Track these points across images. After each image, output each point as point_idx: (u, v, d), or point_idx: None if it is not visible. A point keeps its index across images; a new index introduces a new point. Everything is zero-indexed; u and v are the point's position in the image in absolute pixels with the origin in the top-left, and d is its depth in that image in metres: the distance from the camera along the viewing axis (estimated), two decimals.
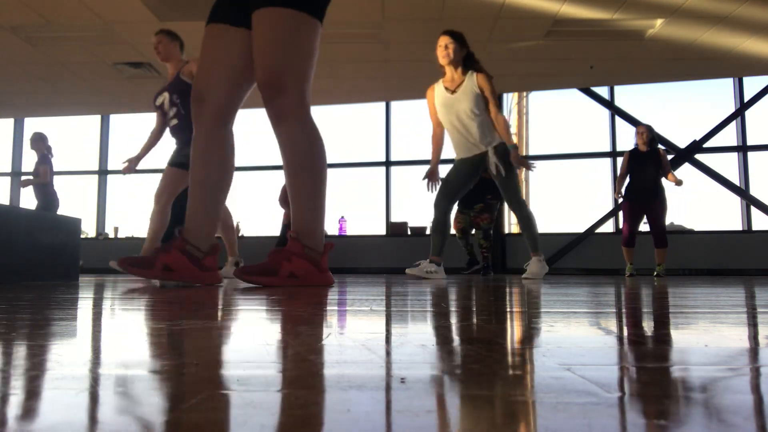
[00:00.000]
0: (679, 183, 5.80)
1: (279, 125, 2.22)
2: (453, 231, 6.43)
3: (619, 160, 8.20)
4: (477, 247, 6.47)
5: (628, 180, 5.97)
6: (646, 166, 5.87)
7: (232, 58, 2.32)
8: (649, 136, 5.91)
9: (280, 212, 7.54)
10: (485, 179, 6.22)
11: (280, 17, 2.18)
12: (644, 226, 7.60)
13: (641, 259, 6.94)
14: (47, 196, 6.86)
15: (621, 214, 6.09)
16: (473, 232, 6.38)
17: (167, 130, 4.36)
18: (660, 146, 5.94)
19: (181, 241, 2.30)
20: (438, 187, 4.20)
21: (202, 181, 2.33)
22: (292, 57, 2.19)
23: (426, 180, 4.23)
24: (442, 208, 4.12)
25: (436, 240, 4.13)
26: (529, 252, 4.15)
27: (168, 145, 4.42)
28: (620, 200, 6.08)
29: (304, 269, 2.25)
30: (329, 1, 2.35)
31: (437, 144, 4.28)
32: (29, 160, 7.59)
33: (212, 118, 2.32)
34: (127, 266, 2.32)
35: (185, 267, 2.28)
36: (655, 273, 5.95)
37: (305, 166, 2.24)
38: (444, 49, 4.03)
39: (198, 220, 2.33)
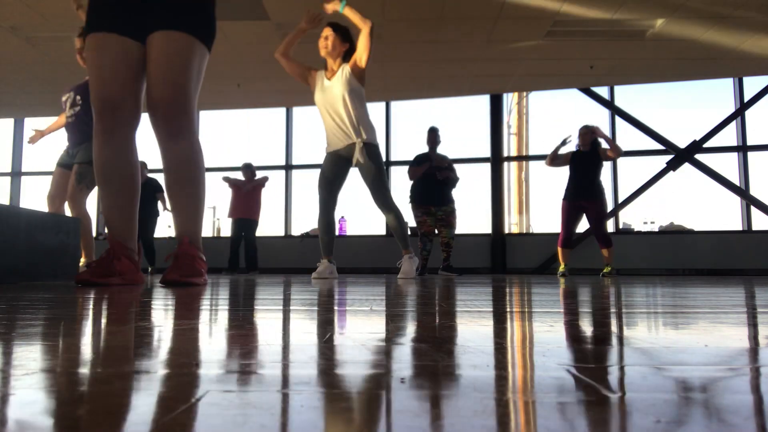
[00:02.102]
0: (614, 151, 5.81)
1: (175, 142, 2.36)
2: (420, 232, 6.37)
3: (620, 161, 8.24)
4: (439, 246, 6.39)
5: (567, 180, 6.05)
6: (586, 167, 5.94)
7: (131, 69, 2.41)
8: (591, 138, 5.98)
9: (274, 212, 7.56)
10: (451, 184, 6.21)
11: (186, 42, 2.35)
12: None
13: (629, 259, 6.95)
14: None
15: (561, 214, 6.13)
16: (437, 231, 6.29)
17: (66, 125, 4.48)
18: (599, 145, 6.00)
19: (123, 248, 2.43)
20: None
21: (122, 187, 2.45)
22: (191, 80, 2.37)
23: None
24: (324, 204, 4.17)
25: (326, 239, 4.18)
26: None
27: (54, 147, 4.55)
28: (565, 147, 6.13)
29: (204, 268, 2.50)
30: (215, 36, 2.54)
31: (288, 42, 4.13)
32: (29, 159, 7.62)
33: (127, 126, 2.43)
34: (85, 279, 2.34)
35: (131, 270, 2.44)
36: (602, 273, 6.00)
37: (194, 180, 2.44)
38: (324, 40, 4.10)
39: (125, 223, 2.47)
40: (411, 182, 6.29)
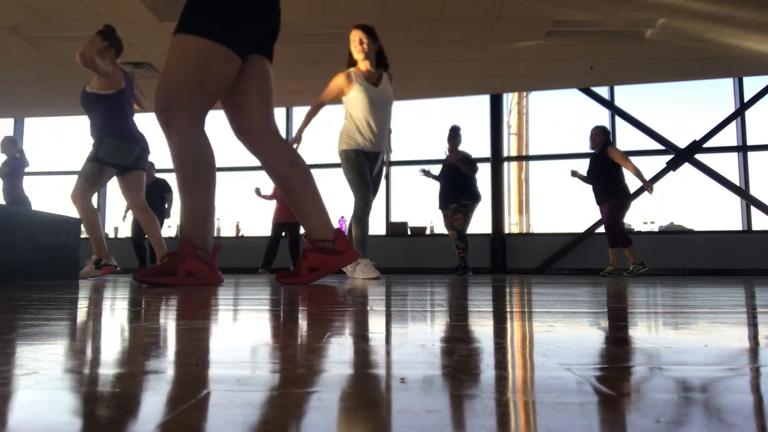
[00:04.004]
0: (645, 183, 5.84)
1: (166, 137, 2.43)
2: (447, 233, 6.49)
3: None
4: (453, 247, 6.50)
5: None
6: (596, 167, 5.98)
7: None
8: (603, 138, 5.99)
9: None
10: (462, 181, 6.28)
11: (180, 43, 2.42)
12: (652, 225, 7.60)
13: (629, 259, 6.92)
14: (17, 197, 6.96)
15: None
16: (449, 232, 6.40)
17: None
18: (610, 145, 6.01)
19: (192, 249, 2.43)
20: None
21: (203, 186, 2.46)
22: (181, 77, 2.39)
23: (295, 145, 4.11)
24: (369, 201, 4.13)
25: (367, 237, 4.16)
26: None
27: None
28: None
29: (199, 268, 2.43)
30: (242, 32, 2.48)
31: (312, 114, 4.24)
32: (29, 159, 7.60)
33: (185, 124, 2.45)
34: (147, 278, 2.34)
35: (203, 270, 2.43)
36: (601, 272, 6.04)
37: (188, 175, 2.43)
38: (359, 44, 4.09)
39: (203, 224, 2.47)
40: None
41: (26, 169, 7.23)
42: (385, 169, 4.20)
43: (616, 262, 5.97)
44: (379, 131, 4.08)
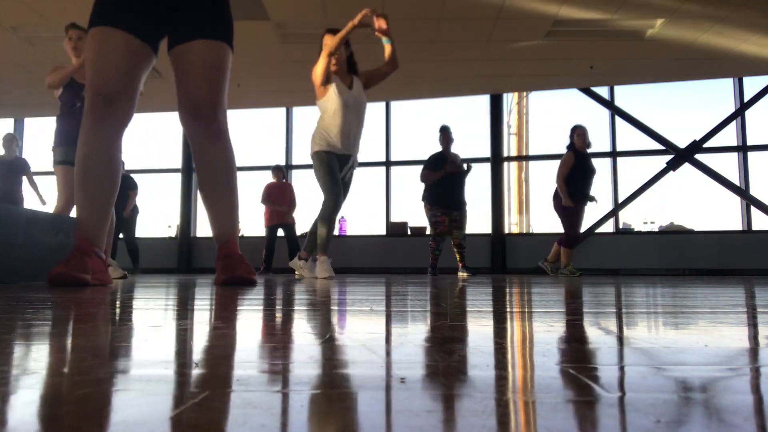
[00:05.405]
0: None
1: (217, 143, 2.46)
2: (429, 232, 6.41)
3: (620, 160, 8.23)
4: (452, 247, 6.45)
5: (575, 181, 5.92)
6: (590, 166, 5.93)
7: (131, 66, 2.40)
8: (588, 138, 5.97)
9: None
10: (463, 183, 6.26)
11: (226, 52, 2.49)
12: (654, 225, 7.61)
13: (629, 259, 6.89)
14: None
15: (567, 217, 5.95)
16: (453, 232, 6.32)
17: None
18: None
19: (91, 246, 2.35)
20: None
21: (101, 182, 2.40)
22: (225, 84, 2.50)
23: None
24: (339, 202, 4.17)
25: (332, 236, 4.19)
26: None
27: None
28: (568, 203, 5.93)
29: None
30: None
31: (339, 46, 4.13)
32: (29, 159, 7.61)
33: (117, 122, 2.41)
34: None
35: (101, 270, 2.36)
36: (560, 271, 6.01)
37: (232, 179, 2.55)
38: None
39: (97, 222, 2.40)
40: (424, 183, 6.32)
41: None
42: (354, 172, 4.29)
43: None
44: (351, 135, 4.19)
